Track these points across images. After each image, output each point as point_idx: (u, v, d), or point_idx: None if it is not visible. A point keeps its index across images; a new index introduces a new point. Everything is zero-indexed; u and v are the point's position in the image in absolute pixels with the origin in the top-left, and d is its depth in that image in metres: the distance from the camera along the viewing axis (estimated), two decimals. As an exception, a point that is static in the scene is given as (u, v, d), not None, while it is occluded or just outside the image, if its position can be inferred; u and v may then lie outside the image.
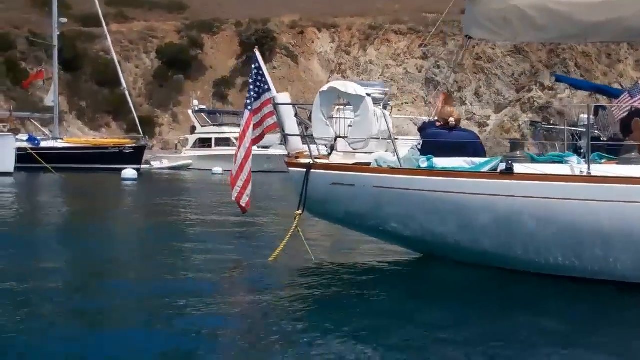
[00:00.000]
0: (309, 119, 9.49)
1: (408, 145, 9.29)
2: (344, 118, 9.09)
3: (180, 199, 22.24)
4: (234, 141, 47.01)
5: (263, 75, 9.52)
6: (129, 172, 31.06)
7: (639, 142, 8.10)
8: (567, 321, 6.74)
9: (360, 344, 5.70)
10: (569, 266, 7.84)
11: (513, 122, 61.49)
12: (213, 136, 48.60)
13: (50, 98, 43.22)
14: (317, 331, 6.03)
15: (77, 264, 9.40)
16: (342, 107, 9.41)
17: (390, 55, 68.91)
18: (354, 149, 8.99)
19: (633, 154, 7.80)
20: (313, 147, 9.15)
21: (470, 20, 9.90)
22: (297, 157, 9.33)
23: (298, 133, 9.35)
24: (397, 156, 8.47)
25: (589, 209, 7.47)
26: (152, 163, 46.01)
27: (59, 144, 40.49)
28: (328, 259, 9.43)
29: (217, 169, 41.38)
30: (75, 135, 52.23)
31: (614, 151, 8.52)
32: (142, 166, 38.99)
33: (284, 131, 9.37)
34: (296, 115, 9.31)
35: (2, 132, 34.66)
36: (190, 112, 51.87)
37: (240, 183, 9.46)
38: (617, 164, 7.90)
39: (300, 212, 9.05)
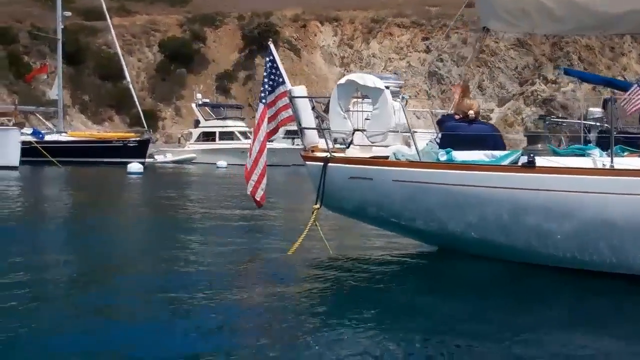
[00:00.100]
0: (325, 111, 9.40)
1: (425, 138, 9.22)
2: (362, 111, 8.99)
3: (187, 193, 22.23)
4: (238, 135, 47.17)
5: (278, 68, 9.41)
6: (135, 166, 31.07)
7: None
8: (583, 315, 6.72)
9: (378, 338, 5.68)
10: (591, 260, 7.76)
11: (516, 115, 61.40)
12: (217, 130, 48.62)
13: (54, 92, 43.19)
14: (337, 325, 6.00)
15: (89, 257, 9.32)
16: (359, 99, 9.31)
17: (393, 48, 68.92)
18: (372, 142, 8.91)
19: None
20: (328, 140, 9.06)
21: (487, 12, 9.80)
22: (312, 151, 9.24)
23: (315, 126, 9.27)
24: (416, 149, 8.38)
25: (612, 202, 7.40)
26: (156, 157, 45.97)
27: (63, 137, 40.51)
28: (345, 253, 9.36)
29: (222, 163, 41.41)
30: (78, 129, 52.25)
31: (634, 144, 8.43)
32: (147, 160, 38.96)
33: (300, 124, 9.27)
34: (313, 108, 9.21)
35: (7, 126, 34.63)
36: (193, 105, 51.85)
37: (254, 177, 9.36)
38: (640, 156, 7.84)
39: (317, 206, 8.97)
